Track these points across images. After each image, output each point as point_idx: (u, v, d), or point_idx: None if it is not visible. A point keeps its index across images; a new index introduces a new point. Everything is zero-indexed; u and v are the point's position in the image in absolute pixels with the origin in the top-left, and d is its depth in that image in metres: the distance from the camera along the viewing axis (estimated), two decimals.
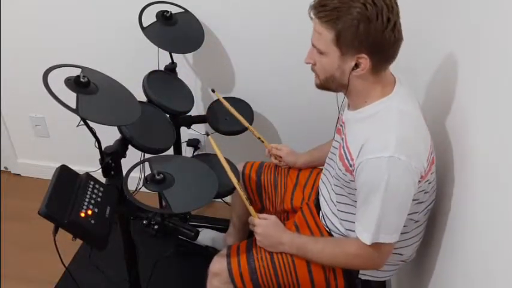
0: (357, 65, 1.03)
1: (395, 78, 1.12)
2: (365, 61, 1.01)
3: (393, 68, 1.12)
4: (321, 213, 1.33)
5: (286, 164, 1.52)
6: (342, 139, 1.16)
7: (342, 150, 1.14)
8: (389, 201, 1.01)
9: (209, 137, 1.42)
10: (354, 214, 1.16)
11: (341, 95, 1.16)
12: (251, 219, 1.28)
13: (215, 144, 1.38)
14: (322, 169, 1.39)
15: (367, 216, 1.05)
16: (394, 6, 0.99)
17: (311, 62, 1.11)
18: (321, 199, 1.34)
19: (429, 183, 1.09)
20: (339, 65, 1.04)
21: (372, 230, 1.04)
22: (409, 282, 1.45)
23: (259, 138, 1.58)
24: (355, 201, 1.13)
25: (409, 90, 1.12)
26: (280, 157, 1.52)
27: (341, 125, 1.21)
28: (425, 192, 1.10)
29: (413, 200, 1.06)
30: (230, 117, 1.65)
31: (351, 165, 1.08)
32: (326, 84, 1.11)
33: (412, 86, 1.19)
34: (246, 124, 1.61)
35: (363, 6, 0.96)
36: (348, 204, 1.18)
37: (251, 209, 1.29)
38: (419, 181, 1.03)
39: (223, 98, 1.66)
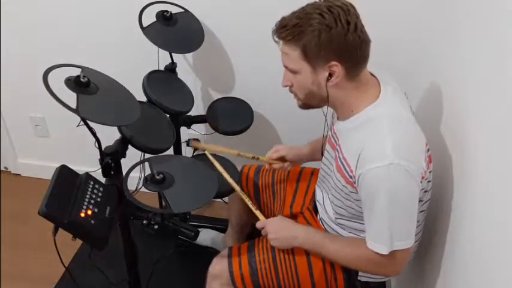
0: (330, 75, 1.03)
1: (378, 80, 1.11)
2: (337, 68, 1.01)
3: (391, 69, 1.12)
4: (318, 217, 1.33)
5: (291, 162, 1.45)
6: (338, 151, 1.15)
7: (338, 162, 1.13)
8: (397, 208, 1.01)
9: (206, 152, 1.41)
10: (352, 221, 1.16)
11: (327, 109, 1.15)
12: (259, 223, 1.27)
13: (213, 158, 1.37)
14: None
15: (377, 228, 1.05)
16: (351, 9, 1.00)
17: (288, 84, 1.11)
18: (318, 204, 1.33)
19: (428, 181, 1.10)
20: (313, 79, 1.05)
21: (385, 240, 1.03)
22: (409, 283, 1.45)
23: (253, 157, 1.47)
24: (354, 215, 1.13)
25: (396, 90, 1.11)
26: (283, 157, 1.44)
27: (333, 136, 1.20)
28: (424, 191, 1.10)
29: None
30: (228, 118, 1.65)
31: (351, 177, 1.07)
32: (308, 102, 1.12)
33: (410, 88, 1.19)
34: (235, 153, 1.48)
35: (320, 16, 0.97)
36: (346, 215, 1.18)
37: (258, 213, 1.29)
38: (421, 181, 1.03)
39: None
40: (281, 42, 1.05)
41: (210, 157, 1.36)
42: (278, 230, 1.23)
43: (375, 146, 1.01)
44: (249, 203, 1.30)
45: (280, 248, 1.24)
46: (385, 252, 1.04)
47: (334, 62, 1.01)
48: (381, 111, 1.06)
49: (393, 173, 0.98)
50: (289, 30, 1.01)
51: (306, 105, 1.14)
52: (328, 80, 1.04)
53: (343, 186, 1.11)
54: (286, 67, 1.09)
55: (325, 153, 1.27)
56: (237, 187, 1.31)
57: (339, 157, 1.13)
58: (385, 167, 0.98)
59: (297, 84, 1.09)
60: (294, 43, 1.02)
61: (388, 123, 1.04)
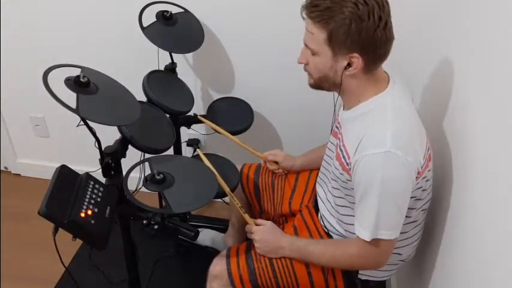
0: (349, 64, 1.03)
1: (388, 76, 1.12)
2: (357, 60, 1.02)
3: (391, 68, 1.12)
4: (319, 214, 1.33)
5: (283, 169, 1.51)
6: (339, 139, 1.16)
7: (338, 149, 1.14)
8: (387, 197, 1.01)
9: (199, 150, 1.43)
10: (353, 216, 1.16)
11: (337, 96, 1.16)
12: (248, 227, 1.28)
13: (205, 158, 1.38)
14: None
15: (365, 213, 1.05)
16: (385, 5, 1.00)
17: (304, 62, 1.11)
18: (318, 200, 1.34)
19: (426, 180, 1.10)
20: (331, 65, 1.05)
21: (370, 226, 1.04)
22: (409, 282, 1.45)
23: (253, 150, 1.54)
24: (353, 203, 1.13)
25: (403, 88, 1.12)
26: (277, 163, 1.51)
27: (337, 127, 1.21)
28: (423, 190, 1.10)
29: (411, 197, 1.06)
30: (228, 118, 1.65)
31: (347, 164, 1.08)
32: (319, 84, 1.12)
33: (411, 86, 1.19)
34: (238, 141, 1.57)
35: (354, 6, 0.97)
36: (346, 206, 1.18)
37: (246, 216, 1.30)
38: (416, 177, 1.03)
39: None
40: (309, 20, 1.03)
41: (204, 158, 1.36)
42: (265, 241, 1.24)
43: (375, 134, 1.02)
44: (238, 206, 1.31)
45: (266, 256, 1.25)
46: (367, 238, 1.05)
47: (356, 54, 1.01)
48: (385, 102, 1.07)
49: (388, 161, 0.99)
50: (320, 11, 1.00)
51: (317, 86, 1.13)
52: (345, 69, 1.04)
53: (341, 174, 1.12)
54: (306, 46, 1.08)
55: (328, 144, 1.28)
56: (227, 188, 1.32)
57: (339, 145, 1.14)
58: (382, 154, 0.98)
59: (313, 65, 1.09)
60: (322, 25, 1.00)
61: (391, 114, 1.05)
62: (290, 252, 1.22)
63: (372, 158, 1.00)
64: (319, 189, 1.34)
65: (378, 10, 0.98)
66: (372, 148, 1.00)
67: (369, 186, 1.02)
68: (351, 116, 1.12)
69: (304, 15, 1.04)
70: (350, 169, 1.07)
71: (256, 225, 1.28)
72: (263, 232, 1.25)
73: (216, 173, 1.32)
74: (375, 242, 1.06)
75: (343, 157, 1.10)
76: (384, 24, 0.99)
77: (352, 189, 1.09)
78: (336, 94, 1.15)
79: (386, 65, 1.10)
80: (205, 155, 1.63)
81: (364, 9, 0.96)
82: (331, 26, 0.99)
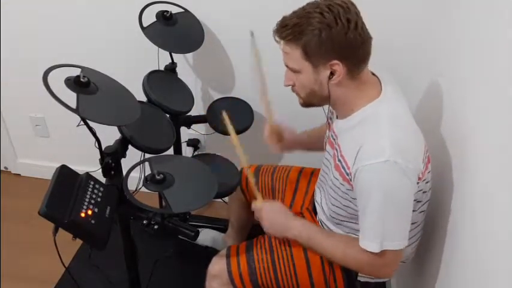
0: (332, 73, 1.03)
1: (379, 79, 1.11)
2: (338, 67, 1.01)
3: (391, 72, 1.12)
4: (317, 217, 1.33)
5: (286, 139, 1.45)
6: (336, 149, 1.15)
7: (336, 160, 1.13)
8: (390, 207, 1.01)
9: (224, 113, 1.36)
10: (351, 223, 1.16)
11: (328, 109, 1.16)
12: (255, 205, 1.25)
13: (229, 121, 1.33)
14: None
15: (369, 225, 1.04)
16: (351, 7, 1.00)
17: (290, 84, 1.11)
18: (316, 204, 1.33)
19: (426, 182, 1.09)
20: (315, 78, 1.05)
21: (376, 238, 1.03)
22: (408, 283, 1.45)
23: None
24: (353, 214, 1.13)
25: (396, 90, 1.11)
26: (280, 135, 1.45)
27: (332, 137, 1.20)
28: (423, 192, 1.10)
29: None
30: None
31: (347, 174, 1.07)
32: (309, 101, 1.12)
33: (408, 89, 1.19)
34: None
35: (320, 15, 0.98)
36: (343, 215, 1.17)
37: (259, 195, 1.28)
38: (417, 182, 1.03)
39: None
40: (282, 42, 1.05)
41: (228, 122, 1.31)
42: (273, 216, 1.22)
43: (373, 143, 1.01)
44: (253, 181, 1.30)
45: (273, 235, 1.23)
46: (374, 250, 1.04)
47: (335, 61, 1.01)
48: (380, 110, 1.06)
49: (388, 171, 0.98)
50: (289, 30, 1.01)
51: (307, 103, 1.14)
52: (329, 78, 1.04)
53: (341, 184, 1.11)
54: (287, 66, 1.09)
55: (325, 153, 1.27)
56: (245, 163, 1.30)
57: (337, 155, 1.13)
58: (381, 163, 0.98)
59: (299, 84, 1.09)
60: (294, 42, 1.02)
61: (387, 121, 1.04)
62: (299, 234, 1.18)
63: (372, 168, 0.99)
64: (317, 194, 1.34)
65: (344, 13, 0.98)
66: (371, 158, 0.99)
67: (370, 197, 1.01)
68: (346, 125, 1.11)
69: (277, 38, 1.05)
70: (351, 179, 1.06)
71: None
72: (272, 210, 1.23)
73: (237, 142, 1.29)
74: (382, 253, 1.04)
75: (343, 167, 1.09)
76: (354, 26, 0.98)
77: (354, 198, 1.08)
78: (327, 108, 1.14)
79: (382, 68, 1.10)
80: (205, 155, 1.63)
81: (330, 16, 0.97)
82: (302, 40, 1.00)
